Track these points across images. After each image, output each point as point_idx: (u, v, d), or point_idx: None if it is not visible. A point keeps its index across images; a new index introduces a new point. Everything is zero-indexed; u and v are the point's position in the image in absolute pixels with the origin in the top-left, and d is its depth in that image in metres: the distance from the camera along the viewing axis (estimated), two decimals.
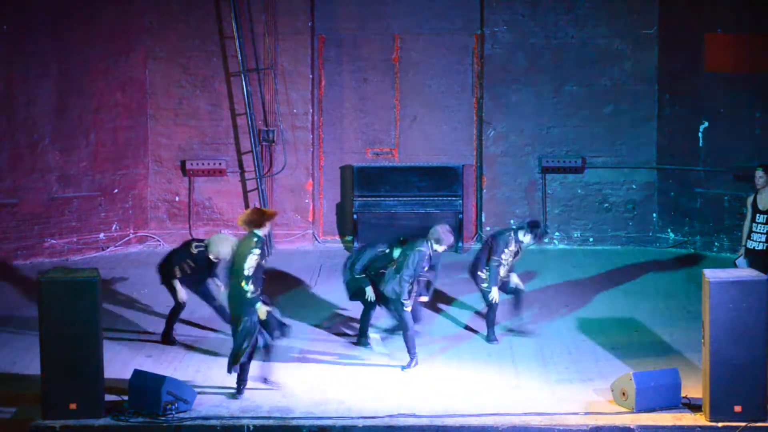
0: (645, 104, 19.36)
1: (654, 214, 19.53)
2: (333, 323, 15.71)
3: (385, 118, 19.68)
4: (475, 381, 13.68)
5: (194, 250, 14.86)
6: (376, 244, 14.87)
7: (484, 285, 14.89)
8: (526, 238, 14.86)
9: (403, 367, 14.04)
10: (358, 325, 15.06)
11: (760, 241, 15.14)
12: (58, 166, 18.63)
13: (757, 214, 15.16)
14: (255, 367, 13.37)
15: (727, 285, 12.36)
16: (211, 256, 14.70)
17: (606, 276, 17.94)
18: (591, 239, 19.57)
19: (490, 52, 19.36)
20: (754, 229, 15.20)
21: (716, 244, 18.90)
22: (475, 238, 19.69)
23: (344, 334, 15.28)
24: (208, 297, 15.06)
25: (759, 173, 15.20)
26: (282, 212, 19.40)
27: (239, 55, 19.05)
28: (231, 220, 19.41)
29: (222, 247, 14.51)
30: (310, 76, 19.43)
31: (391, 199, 19.31)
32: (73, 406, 12.49)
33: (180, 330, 15.21)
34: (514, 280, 15.18)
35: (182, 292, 14.76)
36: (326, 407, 12.87)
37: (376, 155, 19.72)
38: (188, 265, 14.83)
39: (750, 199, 15.33)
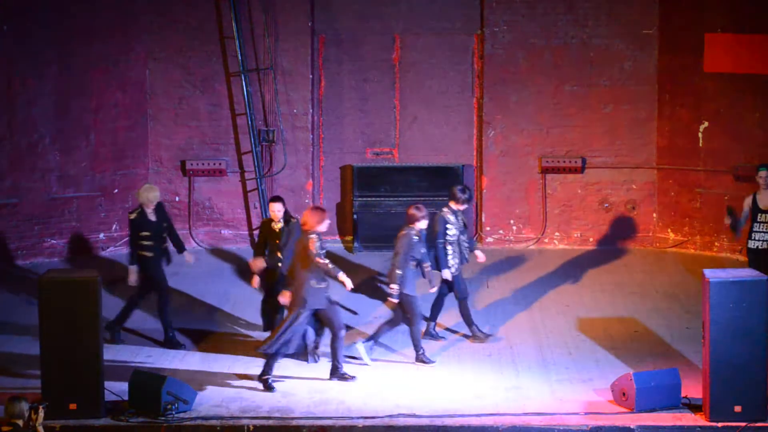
0: (645, 104, 19.35)
1: (654, 214, 19.52)
2: None
3: (385, 118, 19.67)
4: (475, 381, 13.68)
5: None
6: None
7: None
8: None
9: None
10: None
11: (762, 240, 15.14)
12: (58, 166, 18.62)
13: (758, 213, 15.16)
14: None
15: (727, 285, 12.37)
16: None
17: (606, 276, 17.94)
18: (591, 239, 19.56)
19: (490, 52, 19.35)
20: (755, 228, 15.20)
21: (716, 244, 18.89)
22: (475, 238, 19.67)
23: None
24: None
25: (764, 173, 15.17)
26: None
27: (239, 55, 19.04)
28: (231, 220, 19.41)
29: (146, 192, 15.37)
30: (310, 76, 19.42)
31: (391, 199, 19.28)
32: (73, 406, 12.51)
33: (180, 329, 15.22)
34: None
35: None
36: (326, 407, 12.88)
37: (376, 155, 19.71)
38: None
39: (749, 199, 15.33)
